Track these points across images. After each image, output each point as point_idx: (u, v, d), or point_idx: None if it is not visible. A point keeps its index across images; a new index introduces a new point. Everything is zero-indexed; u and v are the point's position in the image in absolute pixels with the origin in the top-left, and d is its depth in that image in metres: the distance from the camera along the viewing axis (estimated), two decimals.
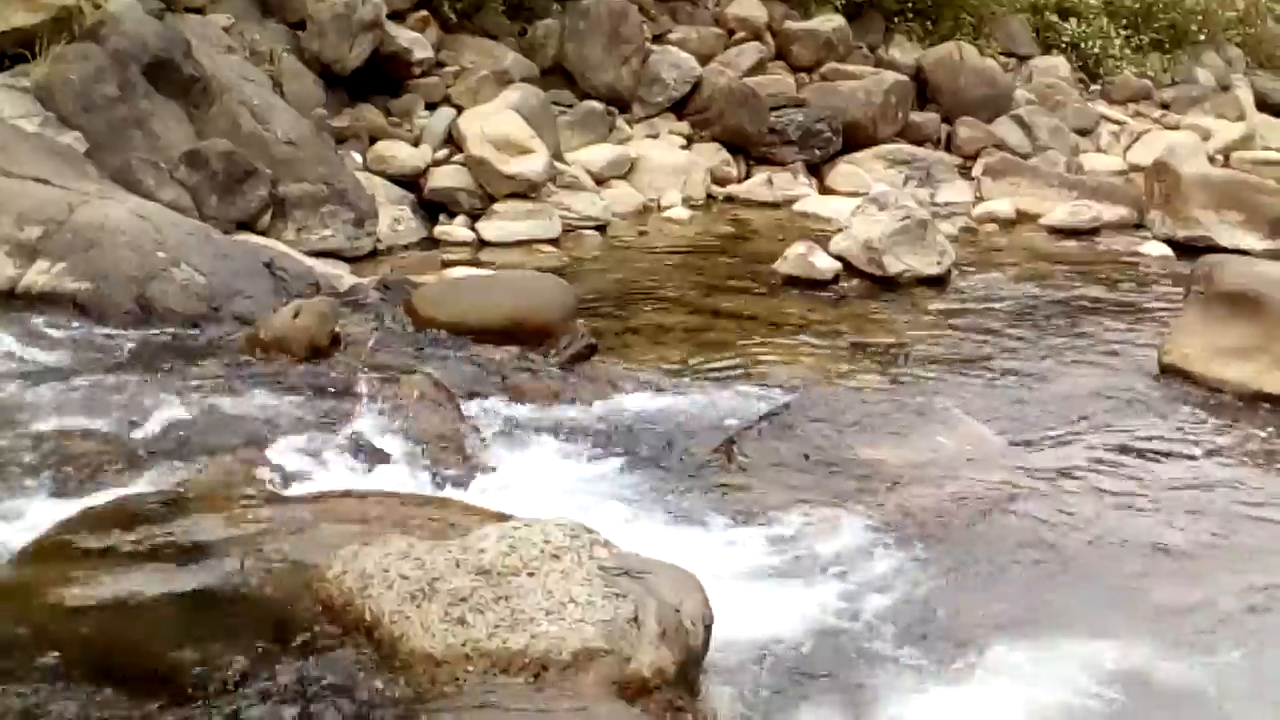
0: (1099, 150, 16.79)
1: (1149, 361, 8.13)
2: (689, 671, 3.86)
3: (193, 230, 8.15)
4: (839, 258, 10.30)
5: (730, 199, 13.35)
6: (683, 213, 12.48)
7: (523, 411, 6.57)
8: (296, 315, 6.95)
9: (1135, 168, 15.59)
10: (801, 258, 10.10)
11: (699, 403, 7.07)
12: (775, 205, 13.19)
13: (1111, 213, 12.94)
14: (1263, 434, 6.97)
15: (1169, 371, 7.93)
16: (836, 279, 10.10)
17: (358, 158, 11.22)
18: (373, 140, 11.56)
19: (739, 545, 5.30)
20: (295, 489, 5.21)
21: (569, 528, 4.06)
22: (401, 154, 11.44)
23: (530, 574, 3.80)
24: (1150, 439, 6.84)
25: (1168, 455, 6.61)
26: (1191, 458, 6.59)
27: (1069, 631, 4.75)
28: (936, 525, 5.58)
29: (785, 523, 5.50)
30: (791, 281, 10.02)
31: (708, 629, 4.01)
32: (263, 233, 9.48)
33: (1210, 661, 4.61)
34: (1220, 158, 17.18)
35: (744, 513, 5.60)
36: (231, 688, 3.50)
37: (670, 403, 7.03)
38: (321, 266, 8.81)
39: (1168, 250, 11.74)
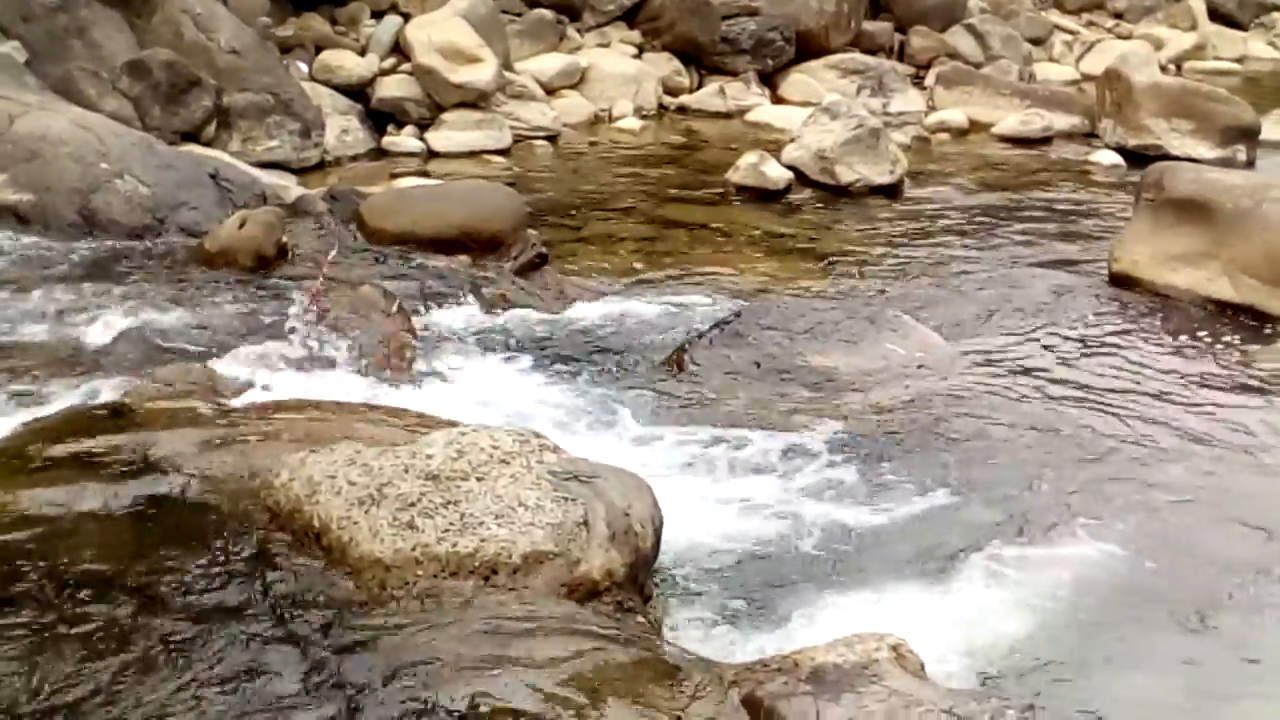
0: (1052, 60, 16.73)
1: (1099, 268, 8.15)
2: (638, 574, 3.87)
3: (136, 141, 8.03)
4: (791, 167, 10.27)
5: (682, 109, 13.26)
6: (634, 123, 12.40)
7: (473, 320, 6.55)
8: (242, 225, 6.88)
9: (1088, 77, 15.53)
10: (753, 167, 10.06)
11: (650, 311, 7.06)
12: (727, 115, 13.11)
13: (1063, 121, 12.93)
14: (1208, 338, 7.02)
15: (1118, 278, 7.96)
16: (789, 188, 10.07)
17: (303, 67, 11.08)
18: (318, 49, 11.41)
19: (690, 452, 5.30)
20: (243, 399, 5.16)
21: (517, 433, 4.05)
22: (348, 63, 11.29)
23: (479, 479, 3.79)
24: (1098, 344, 6.88)
25: (1115, 360, 6.65)
26: (1138, 362, 6.62)
27: (1015, 528, 4.81)
28: (887, 431, 5.62)
29: (736, 430, 5.51)
30: (743, 191, 9.99)
31: (657, 532, 4.01)
32: (207, 143, 9.37)
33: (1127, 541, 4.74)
34: (1172, 67, 17.17)
35: (695, 420, 5.61)
36: (180, 595, 3.48)
37: (622, 311, 7.02)
38: (268, 177, 8.70)
39: (1119, 159, 11.76)
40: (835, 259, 8.60)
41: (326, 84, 11.03)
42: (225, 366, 5.48)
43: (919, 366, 6.32)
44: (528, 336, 6.46)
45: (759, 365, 6.19)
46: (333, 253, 6.62)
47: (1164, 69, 16.23)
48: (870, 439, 5.51)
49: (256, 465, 4.11)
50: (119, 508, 3.89)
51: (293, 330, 5.87)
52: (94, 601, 3.41)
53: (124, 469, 4.12)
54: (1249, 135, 11.85)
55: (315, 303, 5.94)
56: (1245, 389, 6.34)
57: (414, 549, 3.60)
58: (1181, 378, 6.45)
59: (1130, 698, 3.94)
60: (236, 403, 5.01)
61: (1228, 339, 7.02)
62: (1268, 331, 7.15)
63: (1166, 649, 4.21)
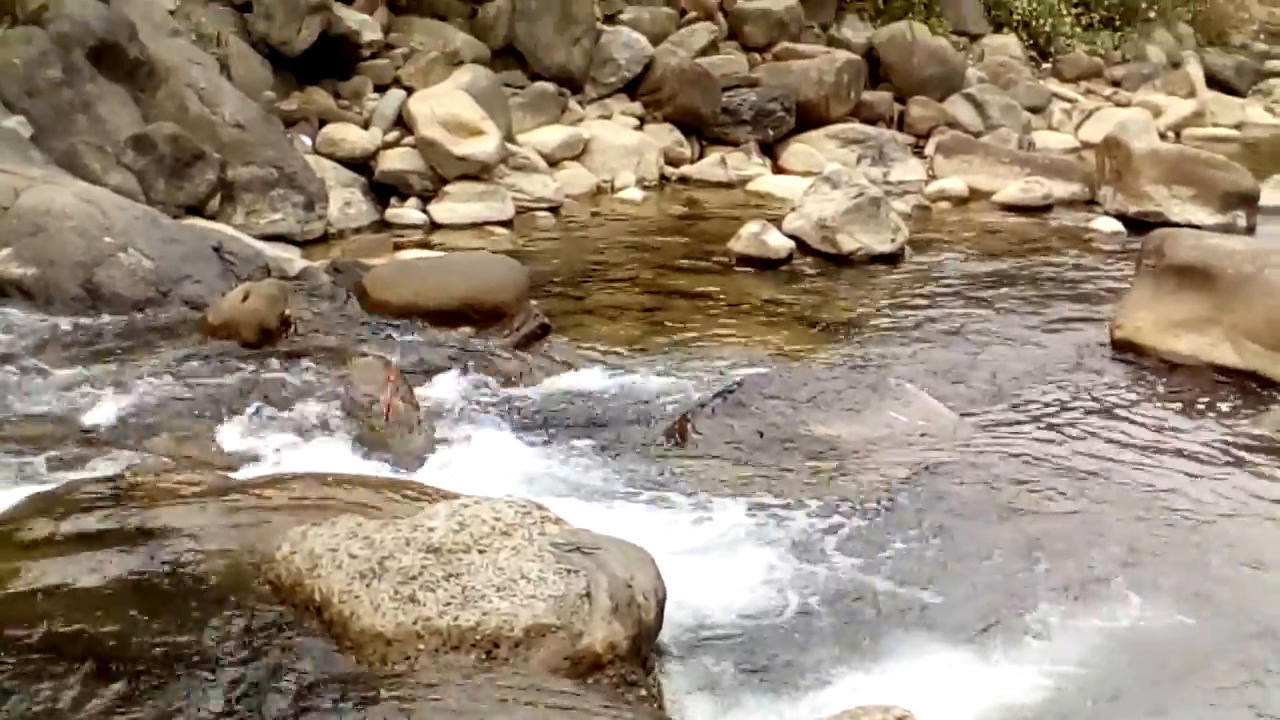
0: (1051, 128, 16.84)
1: (1101, 335, 8.16)
2: (642, 646, 3.84)
3: (140, 215, 8.08)
4: (793, 236, 10.30)
5: (684, 179, 13.33)
6: (636, 193, 12.46)
7: (475, 391, 6.55)
8: (245, 298, 6.90)
9: (1087, 145, 15.63)
10: (755, 237, 10.09)
11: (653, 381, 7.06)
12: (729, 185, 13.18)
13: (1063, 189, 12.99)
14: (1213, 404, 7.01)
15: (1121, 345, 7.96)
16: (790, 258, 10.10)
17: (307, 141, 11.14)
18: (322, 123, 11.48)
19: (693, 523, 5.28)
20: (245, 472, 5.16)
21: (519, 505, 4.04)
22: (351, 136, 11.36)
23: (481, 551, 3.78)
24: (1102, 411, 6.87)
25: (1119, 427, 6.64)
26: (1143, 429, 6.61)
27: (1024, 604, 4.77)
28: (890, 501, 5.59)
29: (739, 501, 5.49)
30: (745, 261, 10.01)
31: (660, 604, 3.99)
32: (211, 217, 9.41)
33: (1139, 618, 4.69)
34: (1171, 134, 17.27)
35: (698, 490, 5.59)
36: (181, 671, 3.46)
37: (624, 382, 7.02)
38: (271, 250, 8.74)
39: (1119, 226, 11.79)
40: (837, 327, 8.61)
41: (330, 157, 11.09)
42: (227, 439, 5.49)
43: (922, 435, 6.31)
44: (530, 407, 6.46)
45: (762, 435, 6.18)
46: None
47: (1163, 136, 16.35)
48: (874, 508, 5.48)
49: (257, 539, 4.10)
50: (118, 582, 3.87)
51: (294, 403, 5.88)
52: (92, 677, 3.39)
53: (124, 543, 4.10)
54: (1249, 201, 11.89)
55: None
56: (1251, 454, 6.31)
57: (415, 623, 3.58)
58: (1187, 444, 6.44)
59: None
60: (237, 476, 5.00)
61: (1232, 405, 7.01)
62: (1272, 396, 7.14)
63: (1177, 713, 4.18)
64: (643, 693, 3.73)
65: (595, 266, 9.93)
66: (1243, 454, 6.33)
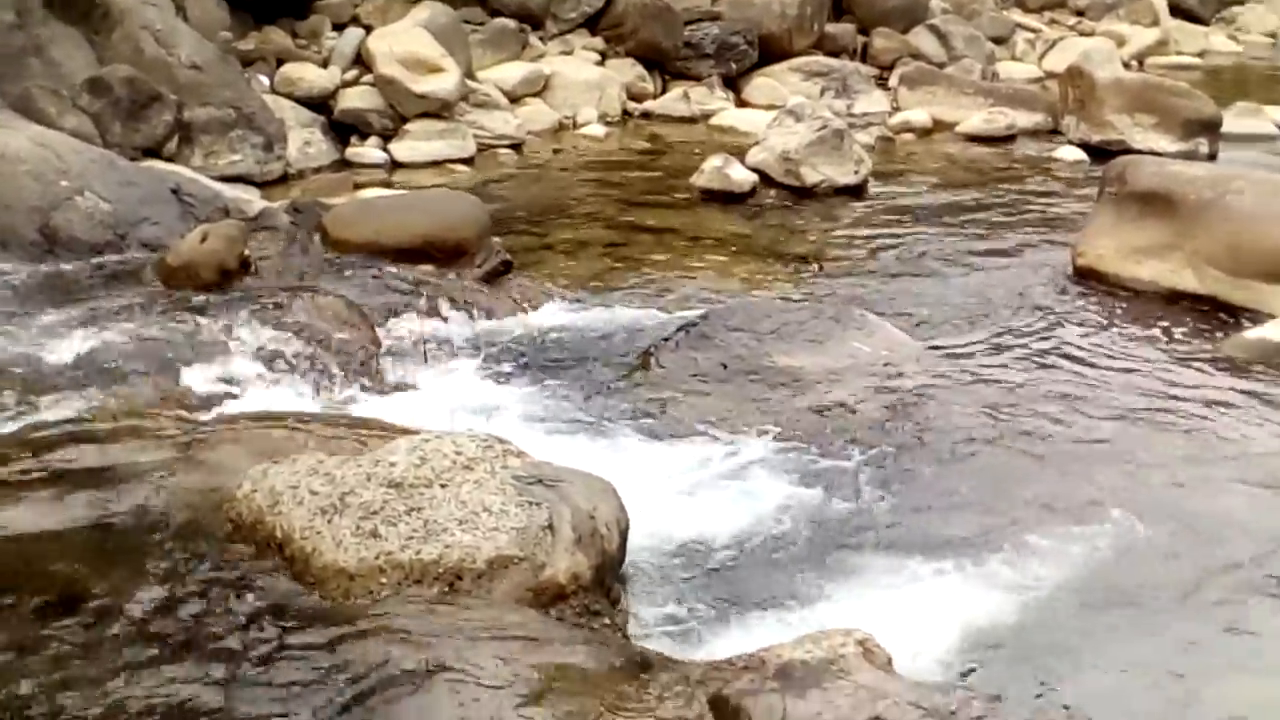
0: (1014, 58, 16.78)
1: (1064, 264, 8.18)
2: (605, 577, 3.86)
3: (96, 158, 7.96)
4: (756, 170, 10.27)
5: (646, 114, 13.25)
6: (598, 129, 12.39)
7: (438, 329, 6.52)
8: (204, 240, 6.82)
9: (1050, 75, 15.60)
10: (718, 171, 10.06)
11: (616, 316, 7.04)
12: (692, 120, 13.11)
13: (1027, 119, 12.98)
14: (1173, 329, 7.05)
15: (1083, 272, 7.99)
16: (754, 191, 10.07)
17: (265, 81, 11.02)
18: (280, 62, 11.35)
19: (657, 454, 5.29)
20: (205, 412, 5.13)
21: (481, 439, 4.04)
22: (310, 76, 11.24)
23: (443, 485, 3.78)
24: (1063, 338, 6.90)
25: (1080, 353, 6.67)
26: (1103, 354, 6.65)
27: (990, 528, 4.80)
28: (853, 429, 5.61)
29: (703, 431, 5.51)
30: (709, 195, 9.98)
31: (623, 534, 4.00)
32: (169, 159, 9.31)
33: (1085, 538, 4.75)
34: (1134, 63, 17.26)
35: (662, 422, 5.60)
36: (142, 611, 3.45)
37: (587, 317, 7.01)
38: (230, 191, 8.64)
39: (1082, 154, 11.80)
40: (801, 260, 8.61)
41: (289, 97, 10.98)
42: (186, 381, 5.45)
43: (885, 364, 6.32)
44: (493, 344, 6.43)
45: (726, 367, 6.18)
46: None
47: (1126, 65, 16.33)
48: (837, 437, 5.50)
49: (218, 478, 4.09)
50: (80, 524, 3.85)
51: (256, 343, 5.85)
52: (54, 618, 3.38)
53: (85, 484, 4.08)
54: (1211, 128, 11.90)
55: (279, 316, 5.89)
56: (1211, 376, 6.36)
57: (378, 557, 3.58)
58: (1147, 369, 6.48)
59: (1103, 688, 3.94)
60: (197, 416, 4.98)
61: (1192, 329, 7.06)
62: (1231, 321, 7.18)
63: (1142, 639, 4.21)
64: (606, 622, 3.75)
65: (558, 203, 9.88)
66: (1202, 376, 6.38)
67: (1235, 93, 14.24)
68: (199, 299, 6.44)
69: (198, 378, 5.54)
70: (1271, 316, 7.07)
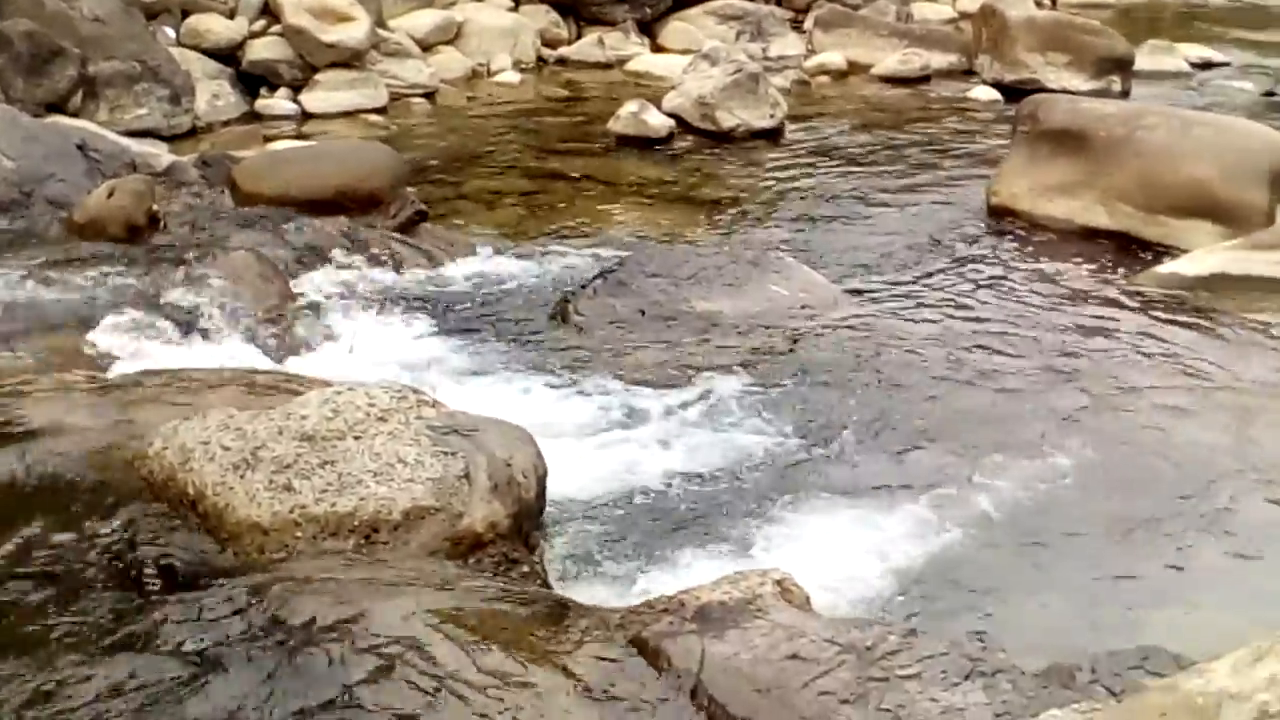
0: None
1: (978, 202, 8.22)
2: (523, 524, 3.84)
3: None
4: (672, 115, 10.23)
5: (562, 61, 13.13)
6: (513, 76, 12.27)
7: (353, 280, 6.44)
8: (111, 195, 6.71)
9: (964, 15, 15.61)
10: (634, 116, 10.00)
11: (533, 264, 7.00)
12: (607, 65, 13.01)
13: (941, 60, 13.01)
14: (1086, 267, 7.11)
15: (998, 211, 8.04)
16: (670, 136, 10.03)
17: (170, 33, 10.79)
18: (185, 14, 11.10)
19: (576, 401, 5.28)
20: (115, 370, 5.04)
21: (395, 390, 4.00)
22: (216, 27, 11.01)
23: (356, 437, 3.74)
24: (979, 277, 6.96)
25: (995, 291, 6.73)
26: (1018, 292, 6.71)
27: (904, 467, 4.83)
28: (773, 371, 5.62)
29: (622, 378, 5.49)
30: (625, 141, 9.93)
31: (541, 481, 3.98)
32: (74, 114, 9.12)
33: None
34: (1047, 1, 17.32)
35: (580, 370, 5.58)
36: (53, 570, 3.39)
37: (504, 265, 6.96)
38: (138, 146, 8.49)
39: (996, 94, 11.85)
40: (718, 204, 8.60)
41: (195, 49, 10.76)
42: (96, 338, 5.36)
43: (803, 307, 6.33)
44: (409, 295, 6.38)
45: (644, 313, 6.17)
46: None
47: (1039, 4, 16.36)
48: (756, 380, 5.50)
49: (129, 435, 4.02)
50: None
51: (166, 299, 5.76)
52: None
53: None
54: (1123, 66, 12.00)
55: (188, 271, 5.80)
56: (1124, 313, 6.43)
57: (292, 511, 3.54)
58: (1061, 307, 6.54)
59: (1019, 620, 3.99)
60: (108, 374, 4.89)
61: (1105, 266, 7.13)
62: (1143, 256, 7.25)
63: (1063, 572, 4.26)
64: (525, 569, 3.73)
65: (473, 151, 9.78)
66: (1116, 311, 6.45)
67: (1148, 31, 14.35)
68: (107, 255, 6.33)
69: (106, 335, 5.44)
70: (1183, 251, 7.16)
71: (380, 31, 11.51)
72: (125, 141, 8.48)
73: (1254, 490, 4.75)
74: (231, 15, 11.24)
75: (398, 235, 7.08)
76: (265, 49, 11.02)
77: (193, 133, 9.90)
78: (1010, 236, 7.67)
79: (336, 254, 6.66)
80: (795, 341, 5.91)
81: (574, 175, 9.20)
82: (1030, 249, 7.46)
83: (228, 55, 10.93)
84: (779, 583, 3.27)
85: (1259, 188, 7.37)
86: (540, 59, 13.01)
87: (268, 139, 9.87)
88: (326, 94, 10.87)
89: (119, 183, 6.85)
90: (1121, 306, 6.52)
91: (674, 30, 13.87)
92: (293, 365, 5.31)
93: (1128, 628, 3.90)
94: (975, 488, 4.69)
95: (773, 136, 10.23)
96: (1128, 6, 17.64)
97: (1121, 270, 7.05)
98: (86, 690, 2.93)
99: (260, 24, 11.24)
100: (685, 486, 4.67)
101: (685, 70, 10.73)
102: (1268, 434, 5.16)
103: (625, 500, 4.56)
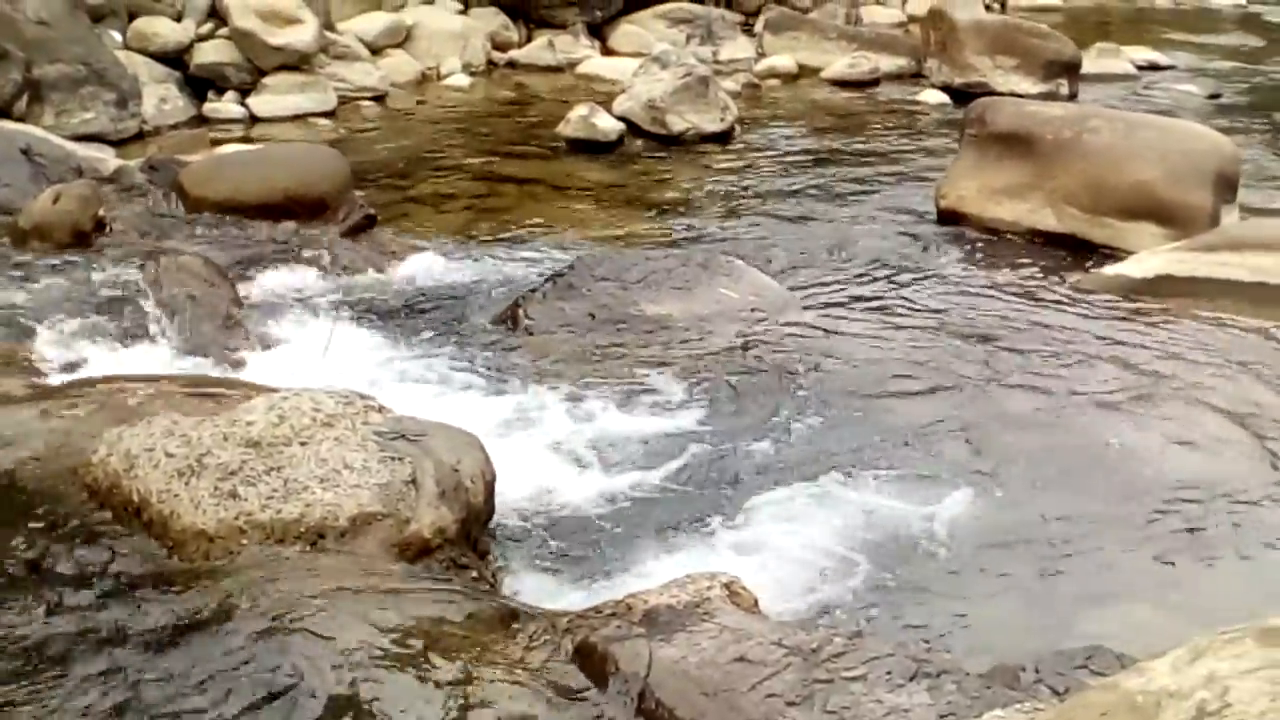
0: (878, 2, 16.89)
1: (927, 205, 8.26)
2: (471, 529, 3.83)
3: None
4: (623, 119, 10.26)
5: (512, 64, 13.14)
6: (463, 80, 12.25)
7: (301, 285, 6.42)
8: (56, 200, 6.65)
9: (914, 19, 15.73)
10: (584, 120, 10.01)
11: (483, 268, 7.00)
12: (558, 69, 13.03)
13: (890, 63, 13.10)
14: (1033, 269, 7.16)
15: (946, 214, 8.08)
16: (621, 140, 10.05)
17: (117, 36, 10.72)
18: (131, 16, 11.03)
19: (525, 406, 5.26)
20: (59, 377, 4.99)
21: (341, 395, 3.97)
22: (163, 30, 10.95)
23: (302, 443, 3.71)
24: (927, 280, 6.98)
25: (943, 293, 6.75)
26: (966, 294, 6.74)
27: (849, 472, 4.84)
28: (722, 374, 5.62)
29: (571, 382, 5.49)
30: (575, 144, 9.94)
31: (489, 486, 3.97)
32: (19, 118, 9.04)
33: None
34: (996, 5, 17.44)
35: (530, 374, 5.57)
36: None
37: (454, 270, 6.95)
38: (84, 150, 8.42)
39: (945, 98, 11.94)
40: (668, 208, 8.61)
41: (142, 52, 10.70)
42: (40, 345, 5.31)
43: (753, 310, 6.35)
44: (358, 299, 6.36)
45: (593, 316, 6.17)
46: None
47: (988, 7, 16.48)
48: (705, 383, 5.51)
49: (73, 442, 3.98)
50: None
51: (112, 305, 5.71)
52: None
53: None
54: (1071, 69, 12.12)
55: (134, 277, 5.75)
56: (1069, 315, 6.47)
57: (237, 518, 3.51)
58: (1008, 307, 6.58)
59: (966, 622, 4.00)
60: (51, 381, 4.85)
61: (1052, 268, 7.18)
62: (1090, 258, 7.31)
63: (1008, 574, 4.28)
64: (474, 574, 3.72)
65: (422, 155, 9.77)
66: (1061, 313, 6.49)
67: (1096, 34, 14.49)
68: (53, 261, 6.29)
69: (52, 341, 5.39)
70: (1129, 253, 7.22)
71: (329, 34, 11.48)
72: (71, 146, 8.41)
73: (1194, 490, 4.79)
74: (178, 18, 11.19)
75: (346, 240, 7.06)
76: (213, 52, 10.97)
77: (140, 137, 9.84)
78: (958, 239, 7.72)
79: (284, 259, 6.62)
80: (745, 344, 5.92)
81: (524, 179, 9.20)
82: (978, 251, 7.51)
83: (175, 58, 10.88)
84: (727, 585, 3.27)
85: (1203, 190, 7.44)
86: (490, 62, 13.02)
87: (215, 143, 9.82)
88: (275, 97, 10.82)
89: (65, 188, 6.79)
90: (1067, 308, 6.56)
91: (624, 33, 13.91)
92: (239, 371, 5.27)
93: (1073, 628, 3.93)
94: (920, 490, 4.70)
95: (723, 140, 10.26)
96: (1075, 10, 17.82)
97: (1068, 272, 7.10)
98: (27, 697, 2.91)
99: (208, 27, 11.19)
100: (635, 490, 4.66)
101: (635, 74, 10.76)
102: (1208, 434, 5.21)
103: (575, 504, 4.55)
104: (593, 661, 3.04)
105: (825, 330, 6.14)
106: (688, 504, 4.59)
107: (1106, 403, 5.47)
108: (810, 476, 4.79)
